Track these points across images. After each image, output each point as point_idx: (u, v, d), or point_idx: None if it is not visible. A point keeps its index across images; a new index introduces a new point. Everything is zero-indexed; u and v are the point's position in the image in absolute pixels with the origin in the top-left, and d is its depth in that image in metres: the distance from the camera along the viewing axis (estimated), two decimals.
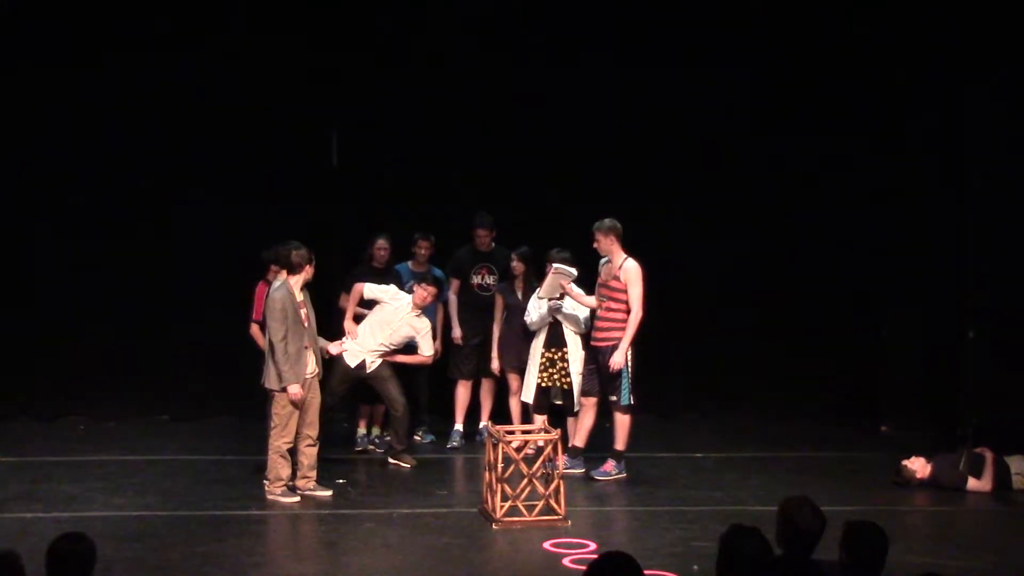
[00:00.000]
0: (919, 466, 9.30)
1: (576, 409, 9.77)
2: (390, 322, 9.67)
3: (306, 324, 8.68)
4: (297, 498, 8.69)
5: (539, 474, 8.16)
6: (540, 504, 8.09)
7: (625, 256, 9.32)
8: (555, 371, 9.85)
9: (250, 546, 7.60)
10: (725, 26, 11.34)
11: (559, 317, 9.83)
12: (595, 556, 4.71)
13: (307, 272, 8.72)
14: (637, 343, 9.26)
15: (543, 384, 9.87)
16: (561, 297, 9.70)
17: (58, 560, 4.62)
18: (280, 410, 8.65)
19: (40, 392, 11.27)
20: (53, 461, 9.72)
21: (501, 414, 10.49)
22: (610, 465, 9.40)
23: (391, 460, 9.82)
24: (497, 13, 11.31)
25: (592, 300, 9.51)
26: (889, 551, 4.79)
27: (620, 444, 9.40)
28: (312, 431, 8.79)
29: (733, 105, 11.55)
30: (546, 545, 7.59)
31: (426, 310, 9.93)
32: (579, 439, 9.61)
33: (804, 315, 11.60)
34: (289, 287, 8.63)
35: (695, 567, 7.06)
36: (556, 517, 8.07)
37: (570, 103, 11.43)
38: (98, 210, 11.08)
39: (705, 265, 11.58)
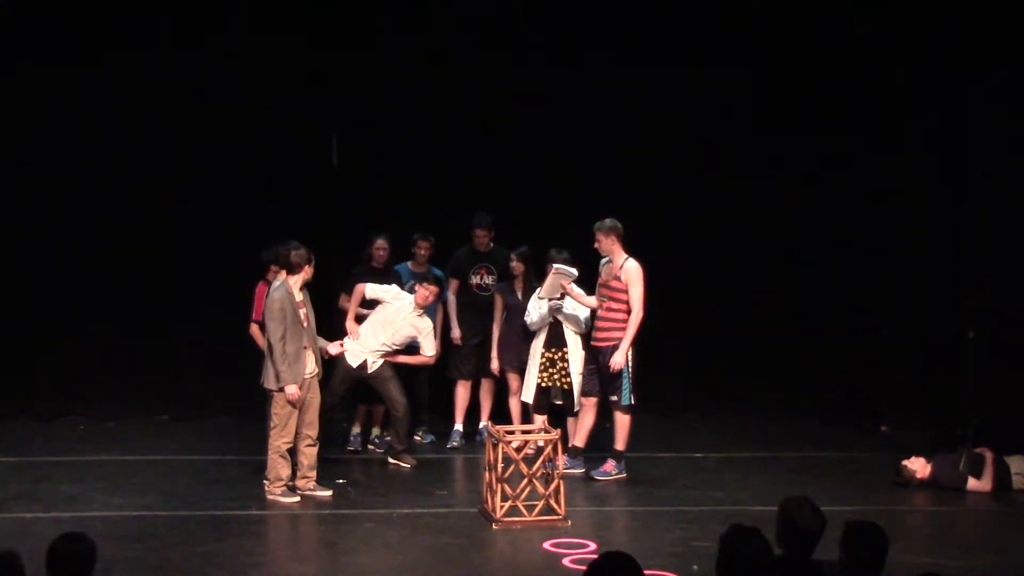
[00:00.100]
0: (919, 466, 9.30)
1: (576, 409, 9.77)
2: (392, 322, 9.66)
3: (305, 324, 8.68)
4: (297, 498, 8.69)
5: (539, 474, 8.15)
6: (540, 504, 8.09)
7: (626, 256, 9.32)
8: (555, 371, 9.85)
9: (250, 546, 7.60)
10: (725, 26, 11.34)
11: (559, 317, 9.83)
12: (595, 556, 4.71)
13: (306, 272, 8.72)
14: (637, 343, 9.26)
15: (543, 384, 9.87)
16: (562, 297, 9.70)
17: (58, 560, 4.62)
18: (279, 410, 8.65)
19: (40, 392, 11.26)
20: (53, 461, 9.72)
21: (501, 414, 10.50)
22: (610, 465, 9.40)
23: (391, 460, 9.82)
24: (497, 13, 11.31)
25: (592, 300, 9.51)
26: (889, 551, 4.79)
27: (620, 444, 9.40)
28: (312, 431, 8.79)
29: (733, 105, 11.55)
30: (546, 545, 7.59)
31: (427, 310, 9.93)
32: (579, 439, 9.61)
33: (804, 315, 11.60)
34: (288, 287, 8.63)
35: (695, 567, 7.06)
36: (556, 517, 8.07)
37: (570, 103, 11.43)
38: (98, 210, 11.08)
39: (705, 265, 11.58)
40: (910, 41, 11.15)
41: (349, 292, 9.96)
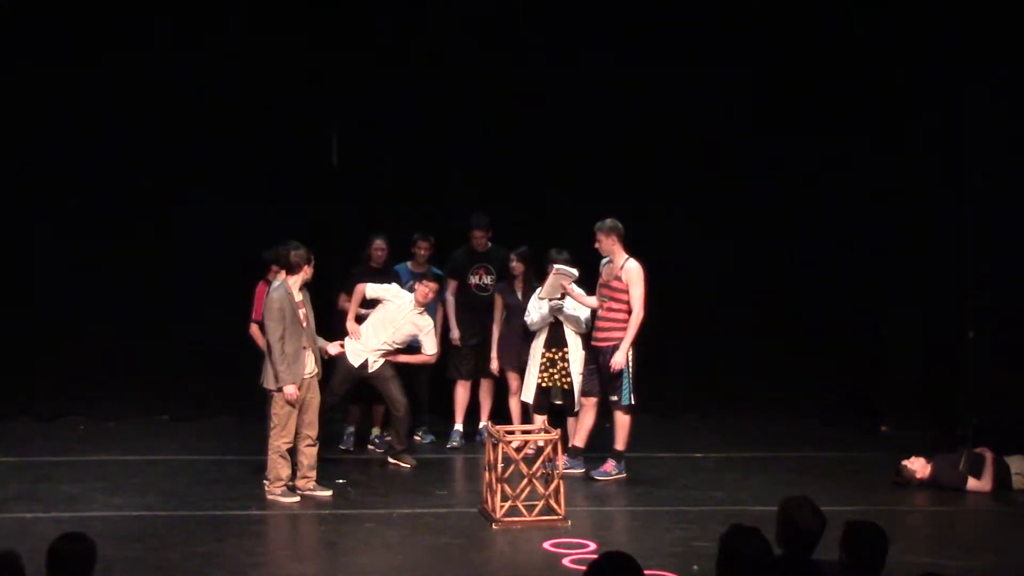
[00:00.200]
0: (919, 466, 9.30)
1: (576, 409, 9.77)
2: (393, 320, 9.67)
3: (304, 324, 8.68)
4: (297, 498, 8.69)
5: (539, 474, 8.15)
6: (540, 504, 8.09)
7: (627, 256, 9.32)
8: (555, 371, 9.85)
9: (250, 546, 7.60)
10: (725, 26, 11.34)
11: (560, 317, 9.83)
12: (595, 556, 4.71)
13: (306, 272, 8.72)
14: (638, 343, 9.26)
15: (543, 384, 9.87)
16: (562, 297, 9.71)
17: (58, 560, 4.62)
18: (279, 410, 8.65)
19: (40, 392, 11.26)
20: (53, 461, 9.72)
21: (501, 414, 10.50)
22: (610, 465, 9.40)
23: (391, 460, 9.82)
24: (497, 13, 11.31)
25: (593, 300, 9.51)
26: (889, 551, 4.79)
27: (620, 444, 9.40)
28: (312, 431, 8.79)
29: (733, 105, 11.55)
30: (546, 545, 7.59)
31: (427, 309, 9.93)
32: (579, 439, 9.61)
33: (804, 315, 11.60)
34: (288, 287, 8.63)
35: (695, 567, 7.06)
36: (556, 517, 8.07)
37: (570, 103, 11.43)
38: (98, 210, 11.08)
39: (705, 265, 11.58)
40: (910, 41, 11.15)
41: (349, 292, 9.96)
